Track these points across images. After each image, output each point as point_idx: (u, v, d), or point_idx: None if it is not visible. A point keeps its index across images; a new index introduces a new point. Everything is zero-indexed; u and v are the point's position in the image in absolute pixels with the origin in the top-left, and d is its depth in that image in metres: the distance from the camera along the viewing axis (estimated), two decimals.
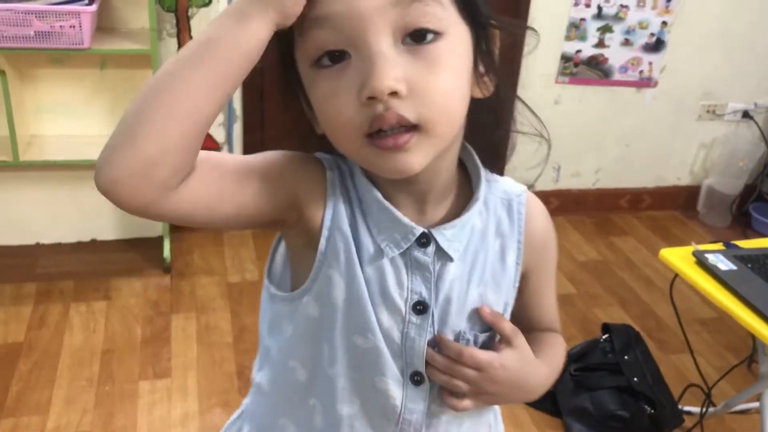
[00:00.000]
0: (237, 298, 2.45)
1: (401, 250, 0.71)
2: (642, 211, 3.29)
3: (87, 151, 2.45)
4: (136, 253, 2.67)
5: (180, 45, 2.53)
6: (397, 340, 0.73)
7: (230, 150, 2.74)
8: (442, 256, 0.73)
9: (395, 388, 0.75)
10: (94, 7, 2.15)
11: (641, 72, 2.99)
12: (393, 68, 0.60)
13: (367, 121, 0.62)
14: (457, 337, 0.75)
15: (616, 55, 2.93)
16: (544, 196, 3.06)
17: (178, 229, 2.79)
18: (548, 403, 2.05)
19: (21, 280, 2.44)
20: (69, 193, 2.64)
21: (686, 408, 2.03)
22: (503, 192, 0.79)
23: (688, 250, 1.78)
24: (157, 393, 2.01)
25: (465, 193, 0.75)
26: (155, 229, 2.70)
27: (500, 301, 0.78)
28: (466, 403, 0.75)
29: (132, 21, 2.43)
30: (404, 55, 0.61)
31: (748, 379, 2.20)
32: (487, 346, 0.77)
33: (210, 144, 2.72)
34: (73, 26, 2.10)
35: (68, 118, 2.53)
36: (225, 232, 2.84)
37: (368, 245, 0.71)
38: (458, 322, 0.75)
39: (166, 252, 2.58)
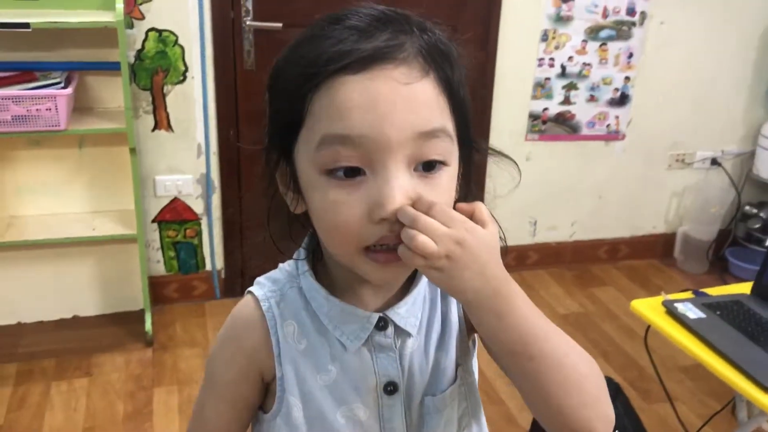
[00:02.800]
0: None
1: (363, 341, 0.75)
2: (620, 261, 3.33)
3: (68, 230, 2.49)
4: (118, 328, 2.67)
5: (156, 121, 2.59)
6: (376, 427, 0.77)
7: (209, 220, 2.78)
8: (401, 333, 0.76)
9: None
10: (69, 90, 2.21)
11: (608, 126, 3.08)
12: (405, 194, 0.65)
13: (373, 238, 0.66)
14: (422, 405, 0.78)
15: (582, 111, 3.01)
16: (523, 251, 3.17)
17: (159, 301, 2.80)
18: None
19: (1, 362, 2.44)
20: (50, 271, 2.66)
21: None
22: None
23: (659, 300, 1.81)
24: None
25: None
26: (137, 302, 2.71)
27: (450, 361, 0.80)
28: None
29: (108, 101, 2.50)
30: (414, 180, 0.66)
31: (732, 425, 2.20)
32: (448, 403, 0.79)
33: (189, 216, 2.76)
34: (50, 109, 2.16)
35: (49, 198, 2.57)
36: (206, 303, 2.85)
37: (326, 347, 0.75)
38: (422, 391, 0.78)
39: (148, 326, 2.59)
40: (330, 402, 0.76)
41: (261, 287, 0.79)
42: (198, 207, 2.76)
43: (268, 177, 0.74)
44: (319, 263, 0.79)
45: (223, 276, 2.89)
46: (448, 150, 0.68)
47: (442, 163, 0.68)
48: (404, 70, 0.65)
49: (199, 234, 2.81)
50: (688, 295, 1.87)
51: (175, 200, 2.72)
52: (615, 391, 2.11)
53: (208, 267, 2.87)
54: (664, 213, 3.36)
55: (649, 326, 1.82)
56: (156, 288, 2.79)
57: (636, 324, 2.83)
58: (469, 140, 0.73)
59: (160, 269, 2.82)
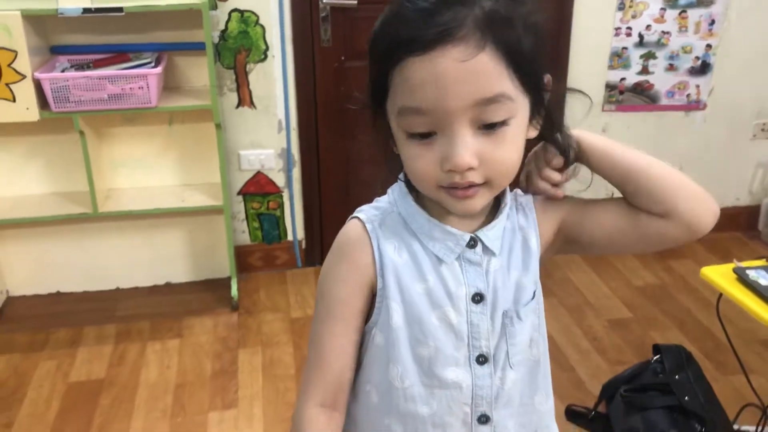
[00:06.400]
0: (299, 332, 2.58)
1: (456, 255, 0.87)
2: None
3: (160, 201, 2.66)
4: (207, 294, 2.84)
5: (240, 98, 2.72)
6: (465, 330, 0.88)
7: (290, 193, 2.90)
8: (488, 252, 0.89)
9: (464, 375, 0.89)
10: (159, 69, 2.36)
11: (689, 95, 3.01)
12: (469, 150, 0.77)
13: (445, 181, 0.80)
14: (505, 315, 0.89)
15: (661, 80, 2.96)
16: None
17: (244, 270, 2.96)
18: (601, 426, 2.08)
19: (102, 323, 2.65)
20: (144, 241, 2.86)
21: (743, 428, 2.02)
22: (513, 197, 0.94)
23: (730, 267, 1.80)
24: (225, 423, 2.15)
25: (495, 201, 0.91)
26: (224, 270, 2.87)
27: (530, 280, 0.92)
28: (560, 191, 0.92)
29: (194, 80, 2.65)
30: (478, 137, 0.78)
31: None
32: (527, 315, 0.91)
33: (271, 189, 2.90)
34: (141, 87, 2.32)
35: (142, 172, 2.75)
36: (287, 271, 3.00)
37: (425, 258, 0.88)
38: (504, 304, 0.90)
39: (234, 291, 2.75)
40: (426, 306, 0.87)
41: (364, 212, 0.91)
42: (280, 180, 2.89)
43: (372, 125, 0.88)
44: (413, 196, 0.90)
45: (303, 246, 3.02)
46: (509, 109, 0.78)
47: (504, 121, 0.78)
48: (462, 48, 0.75)
49: (281, 206, 2.94)
50: (762, 262, 1.85)
51: (258, 174, 2.86)
52: (686, 359, 2.11)
53: (290, 237, 3.00)
54: (748, 184, 3.26)
55: (721, 294, 1.82)
56: (241, 257, 2.95)
57: (713, 296, 2.78)
58: (537, 82, 0.81)
59: (245, 239, 2.97)
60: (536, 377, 0.96)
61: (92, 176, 2.48)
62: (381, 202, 0.92)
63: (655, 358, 2.14)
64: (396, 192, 0.91)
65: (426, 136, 0.79)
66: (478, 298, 0.88)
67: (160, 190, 2.75)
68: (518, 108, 0.79)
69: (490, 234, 0.89)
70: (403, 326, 0.87)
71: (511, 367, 0.90)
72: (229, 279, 2.81)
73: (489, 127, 0.78)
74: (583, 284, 2.89)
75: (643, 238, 0.91)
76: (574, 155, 0.89)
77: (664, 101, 3.00)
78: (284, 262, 3.03)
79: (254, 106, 2.75)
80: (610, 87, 2.95)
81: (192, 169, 2.79)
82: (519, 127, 0.81)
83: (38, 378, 2.35)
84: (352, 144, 2.76)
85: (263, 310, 2.74)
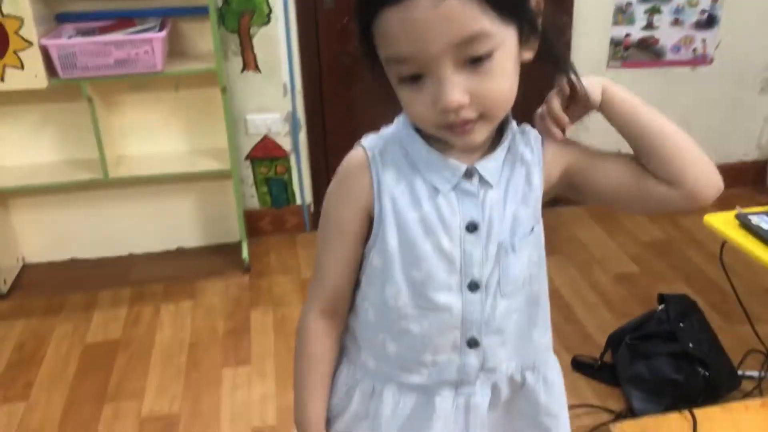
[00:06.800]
0: None
1: (452, 186, 0.90)
2: None
3: (169, 166, 2.70)
4: (218, 258, 2.89)
5: (245, 62, 2.74)
6: (458, 257, 0.91)
7: (297, 157, 2.93)
8: (484, 184, 0.91)
9: (455, 300, 0.92)
10: (163, 34, 2.38)
11: (695, 50, 3.00)
12: (457, 88, 0.79)
13: (443, 121, 0.82)
14: (500, 246, 0.92)
15: (666, 35, 2.95)
16: None
17: (255, 234, 3.00)
18: (607, 374, 2.12)
19: (117, 287, 2.71)
20: (156, 208, 2.90)
21: (747, 373, 2.05)
22: (522, 131, 0.96)
23: (733, 214, 1.81)
24: (239, 378, 2.20)
25: (497, 134, 0.93)
26: (234, 235, 2.92)
27: (529, 215, 0.94)
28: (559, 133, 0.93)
29: (199, 45, 2.67)
30: (466, 73, 0.79)
31: None
32: (522, 248, 0.93)
33: (278, 153, 2.92)
34: (147, 52, 2.34)
35: (149, 139, 2.79)
36: (297, 235, 3.03)
37: (423, 187, 0.90)
38: (499, 236, 0.92)
39: (245, 254, 2.79)
40: (420, 232, 0.90)
41: (368, 140, 0.95)
42: (286, 144, 2.92)
43: (370, 75, 0.90)
44: (415, 128, 0.92)
45: (312, 210, 3.05)
46: (491, 43, 0.79)
47: (488, 54, 0.79)
48: None
49: (288, 170, 2.97)
50: (764, 208, 1.86)
51: (265, 138, 2.89)
52: (691, 308, 2.14)
53: (298, 201, 3.03)
54: (756, 139, 3.26)
55: (724, 242, 1.83)
56: (251, 221, 2.99)
57: (719, 249, 2.80)
58: (521, 11, 0.82)
59: (254, 204, 3.01)
60: (536, 313, 0.99)
61: (102, 143, 2.52)
62: (386, 131, 0.96)
63: (660, 307, 2.16)
64: (401, 122, 0.94)
65: (416, 79, 0.81)
66: (472, 227, 0.91)
67: (169, 156, 2.79)
68: (501, 39, 0.80)
69: (488, 166, 0.91)
70: (397, 250, 0.91)
71: (501, 296, 0.93)
72: (239, 243, 2.85)
73: (474, 62, 0.79)
74: (590, 240, 2.91)
75: (645, 201, 0.93)
76: (590, 100, 0.90)
77: (669, 56, 2.99)
78: (293, 225, 3.07)
79: (259, 70, 2.77)
80: (614, 43, 2.94)
81: (200, 135, 2.82)
82: (506, 56, 0.81)
83: (56, 340, 2.41)
84: (357, 105, 2.77)
85: (274, 272, 2.78)
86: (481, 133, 0.85)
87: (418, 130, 0.91)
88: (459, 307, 0.93)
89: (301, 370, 1.01)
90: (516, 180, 0.93)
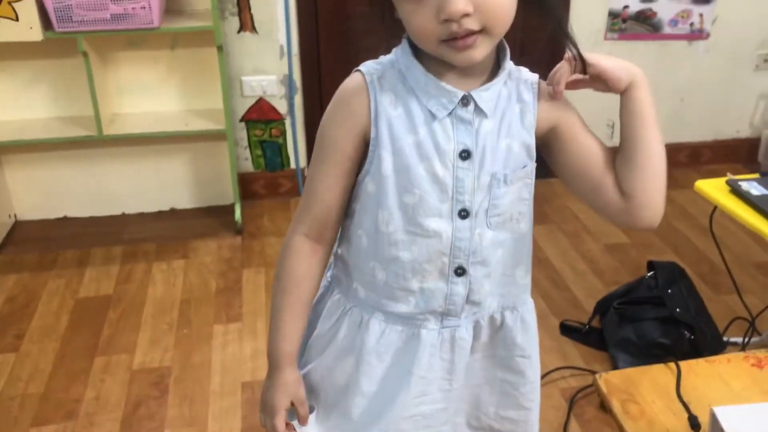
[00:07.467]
0: None
1: (448, 112, 0.91)
2: (702, 165, 3.29)
3: (164, 125, 2.69)
4: (211, 219, 2.90)
5: (241, 23, 2.73)
6: (450, 183, 0.92)
7: (292, 120, 2.93)
8: (480, 113, 0.92)
9: (445, 226, 0.94)
10: None
11: (692, 24, 3.00)
12: None
13: (444, 34, 0.83)
14: (493, 176, 0.94)
15: (664, 8, 2.95)
16: None
17: (248, 197, 3.01)
18: (595, 339, 2.14)
19: (109, 245, 2.71)
20: (150, 168, 2.90)
21: (732, 339, 2.08)
22: (523, 73, 0.98)
23: (723, 180, 1.83)
24: (230, 335, 2.22)
25: (496, 67, 0.95)
26: (228, 197, 2.92)
27: (522, 151, 0.96)
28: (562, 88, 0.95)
29: (197, 3, 2.65)
30: None
31: None
32: (513, 182, 0.95)
33: (274, 115, 2.92)
34: (144, 7, 2.33)
35: (145, 97, 2.78)
36: (291, 199, 3.04)
37: (419, 112, 0.92)
38: (492, 167, 0.94)
39: (238, 216, 2.79)
40: (415, 157, 0.92)
41: (366, 66, 0.95)
42: (282, 107, 2.91)
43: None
44: (414, 54, 0.93)
45: (305, 174, 3.05)
46: None
47: None
48: None
49: (283, 133, 2.97)
50: (755, 175, 1.88)
51: (260, 100, 2.88)
52: (679, 275, 2.17)
53: (293, 165, 3.04)
54: (750, 116, 3.27)
55: (715, 208, 1.85)
56: (245, 184, 2.99)
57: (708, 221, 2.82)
58: None
59: (248, 167, 3.01)
60: (521, 251, 1.02)
61: (97, 100, 2.51)
62: (384, 58, 0.96)
63: (649, 274, 2.19)
64: (400, 49, 0.94)
65: None
66: (465, 154, 0.92)
67: (164, 115, 2.78)
68: None
69: (484, 95, 0.92)
70: (391, 174, 0.92)
71: (489, 226, 0.95)
72: (233, 205, 2.85)
73: None
74: (581, 211, 2.93)
75: (596, 196, 0.97)
76: (608, 80, 0.91)
77: (666, 30, 2.99)
78: (288, 189, 3.07)
79: (256, 31, 2.76)
80: (612, 15, 2.94)
81: (195, 95, 2.81)
82: None
83: (48, 294, 2.42)
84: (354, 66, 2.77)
85: (267, 234, 2.79)
86: (481, 50, 0.86)
87: (417, 57, 0.92)
88: (449, 233, 0.94)
89: (279, 291, 1.00)
90: (510, 115, 0.95)
